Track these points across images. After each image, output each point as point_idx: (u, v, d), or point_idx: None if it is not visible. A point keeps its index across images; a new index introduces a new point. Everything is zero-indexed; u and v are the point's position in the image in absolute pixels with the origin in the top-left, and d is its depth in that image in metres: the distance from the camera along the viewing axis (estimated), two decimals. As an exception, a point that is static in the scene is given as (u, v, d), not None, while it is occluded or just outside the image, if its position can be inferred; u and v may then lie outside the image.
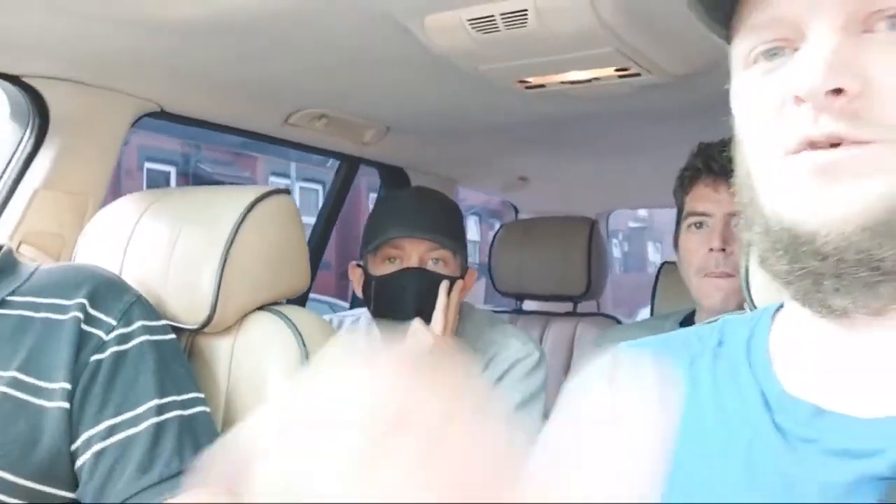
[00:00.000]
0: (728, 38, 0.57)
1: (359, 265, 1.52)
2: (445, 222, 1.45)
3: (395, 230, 1.41)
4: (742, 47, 0.54)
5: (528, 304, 2.44)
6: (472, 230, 15.63)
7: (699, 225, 1.33)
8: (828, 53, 0.47)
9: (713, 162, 1.30)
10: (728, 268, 1.29)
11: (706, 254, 1.30)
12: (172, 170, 12.32)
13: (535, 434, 1.48)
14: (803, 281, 0.50)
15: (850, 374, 0.51)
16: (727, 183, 1.35)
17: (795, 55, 0.50)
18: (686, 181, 1.36)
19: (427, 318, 1.40)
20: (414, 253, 1.41)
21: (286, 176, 12.95)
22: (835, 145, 0.47)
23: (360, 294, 1.51)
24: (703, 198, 1.32)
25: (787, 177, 0.50)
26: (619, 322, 2.25)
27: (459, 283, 1.45)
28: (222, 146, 12.53)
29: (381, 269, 1.43)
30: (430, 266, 1.42)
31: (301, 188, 12.87)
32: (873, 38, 0.47)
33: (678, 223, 1.40)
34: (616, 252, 19.23)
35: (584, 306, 2.33)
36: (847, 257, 0.47)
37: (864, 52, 0.47)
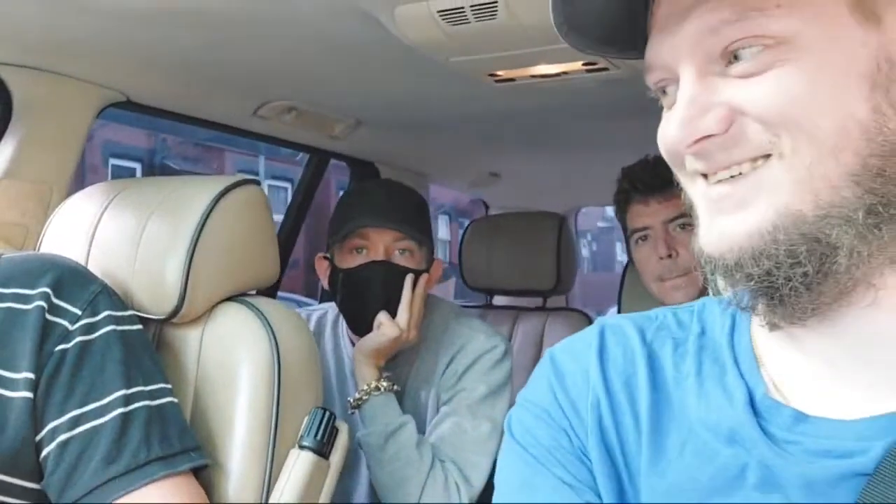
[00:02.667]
0: None
1: (325, 257, 1.52)
2: (412, 213, 1.46)
3: (363, 219, 1.42)
4: (647, 81, 0.58)
5: (498, 300, 2.46)
6: (443, 229, 15.66)
7: (644, 238, 1.50)
8: (684, 108, 0.51)
9: (637, 182, 1.48)
10: (680, 270, 1.45)
11: (658, 262, 1.46)
12: (138, 166, 12.13)
13: (500, 425, 1.50)
14: (734, 295, 0.54)
15: (829, 378, 0.53)
16: (654, 196, 1.46)
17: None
18: (621, 203, 1.53)
19: (393, 311, 1.41)
20: (380, 243, 1.42)
21: (255, 173, 12.83)
22: (723, 180, 0.52)
23: (326, 286, 1.51)
24: (639, 214, 1.49)
25: (697, 199, 0.55)
26: (589, 317, 2.27)
27: (425, 275, 1.46)
28: (189, 141, 12.37)
29: (348, 260, 1.44)
30: (397, 257, 1.43)
31: (270, 186, 12.76)
32: (730, 71, 0.51)
33: (627, 240, 1.56)
34: (585, 251, 19.40)
35: (553, 301, 2.35)
36: (741, 280, 0.51)
37: (723, 89, 0.51)
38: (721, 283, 0.54)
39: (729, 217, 0.52)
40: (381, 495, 1.35)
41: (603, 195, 3.34)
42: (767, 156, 0.50)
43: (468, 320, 1.52)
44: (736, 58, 0.51)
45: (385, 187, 1.55)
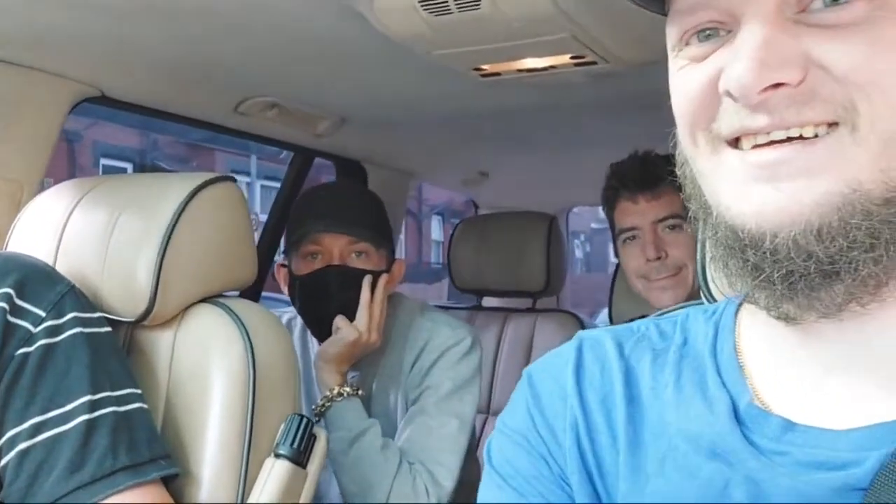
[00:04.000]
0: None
1: (283, 265, 1.51)
2: (365, 215, 1.45)
3: (314, 225, 1.40)
4: (672, 31, 0.51)
5: (488, 301, 2.43)
6: (436, 230, 15.66)
7: (632, 238, 1.46)
8: (759, 48, 0.44)
9: (627, 179, 1.45)
10: (668, 271, 1.42)
11: (645, 263, 1.42)
12: (129, 166, 12.10)
13: (470, 418, 1.49)
14: (752, 282, 0.48)
15: (822, 385, 0.50)
16: (644, 193, 1.44)
17: (729, 41, 0.47)
18: (608, 200, 1.50)
19: (352, 314, 1.39)
20: (335, 248, 1.41)
21: (247, 173, 12.81)
22: (777, 142, 0.45)
23: (286, 293, 1.50)
24: (627, 213, 1.45)
25: (728, 174, 0.48)
26: (578, 319, 2.24)
27: (384, 276, 1.44)
28: (180, 141, 12.36)
29: (303, 267, 1.43)
30: (353, 260, 1.42)
31: (262, 186, 12.74)
32: (810, 19, 0.45)
33: (614, 238, 1.53)
34: (578, 253, 19.48)
35: (543, 303, 2.33)
36: (796, 259, 0.45)
37: (802, 36, 0.45)
38: (733, 260, 0.48)
39: (787, 184, 0.44)
40: (348, 501, 1.33)
41: (595, 194, 3.32)
42: (833, 124, 0.44)
43: (433, 315, 1.51)
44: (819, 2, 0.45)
45: (336, 191, 1.55)
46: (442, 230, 15.60)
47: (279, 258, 2.29)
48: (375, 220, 1.46)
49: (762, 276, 0.46)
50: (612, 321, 2.01)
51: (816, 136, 0.45)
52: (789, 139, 0.45)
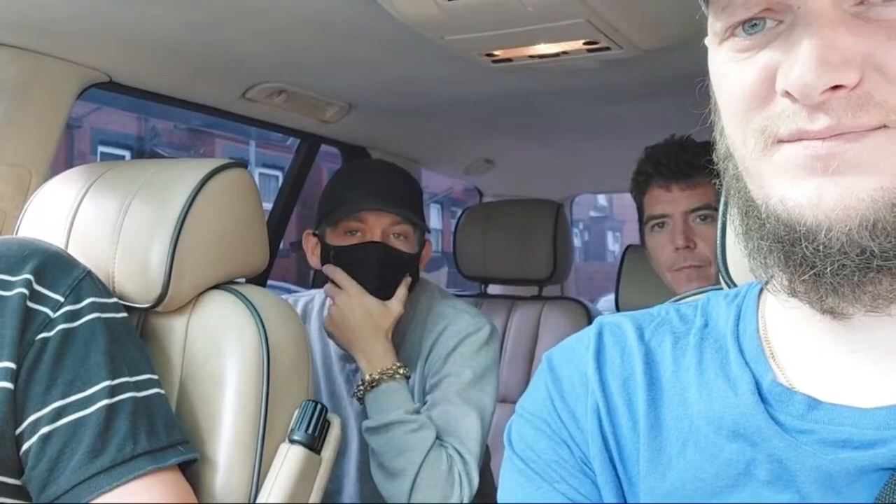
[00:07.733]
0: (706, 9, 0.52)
1: (313, 234, 1.49)
2: (408, 196, 1.44)
3: (360, 203, 1.38)
4: (718, 21, 0.49)
5: (493, 289, 2.43)
6: (435, 218, 15.64)
7: (661, 225, 1.43)
8: (821, 47, 0.43)
9: (661, 165, 1.41)
10: (695, 260, 1.39)
11: (673, 252, 1.40)
12: (127, 153, 12.06)
13: (490, 410, 1.46)
14: (799, 278, 0.47)
15: (847, 365, 0.49)
16: (677, 182, 1.40)
17: (782, 35, 0.46)
18: (640, 185, 1.46)
19: (385, 292, 1.39)
20: (377, 226, 1.39)
21: (245, 161, 12.77)
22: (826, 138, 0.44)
23: (315, 264, 1.48)
24: (658, 200, 1.42)
25: (781, 167, 0.46)
26: (585, 306, 2.24)
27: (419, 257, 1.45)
28: (180, 127, 12.31)
29: (341, 240, 1.41)
30: (391, 241, 1.41)
31: (260, 174, 12.71)
32: (869, 14, 0.44)
33: (641, 224, 1.49)
34: (577, 241, 19.53)
35: (548, 291, 2.32)
36: (849, 254, 0.44)
37: (862, 34, 0.43)
38: (780, 255, 0.47)
39: (841, 177, 0.43)
40: (380, 481, 1.30)
41: (600, 182, 3.32)
42: (883, 127, 0.44)
43: (452, 301, 1.50)
44: None
45: (382, 169, 1.51)
46: (441, 219, 15.59)
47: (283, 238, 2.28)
48: (416, 202, 1.46)
49: (812, 272, 0.46)
50: (618, 308, 2.01)
51: (866, 131, 0.44)
52: (839, 134, 0.44)
